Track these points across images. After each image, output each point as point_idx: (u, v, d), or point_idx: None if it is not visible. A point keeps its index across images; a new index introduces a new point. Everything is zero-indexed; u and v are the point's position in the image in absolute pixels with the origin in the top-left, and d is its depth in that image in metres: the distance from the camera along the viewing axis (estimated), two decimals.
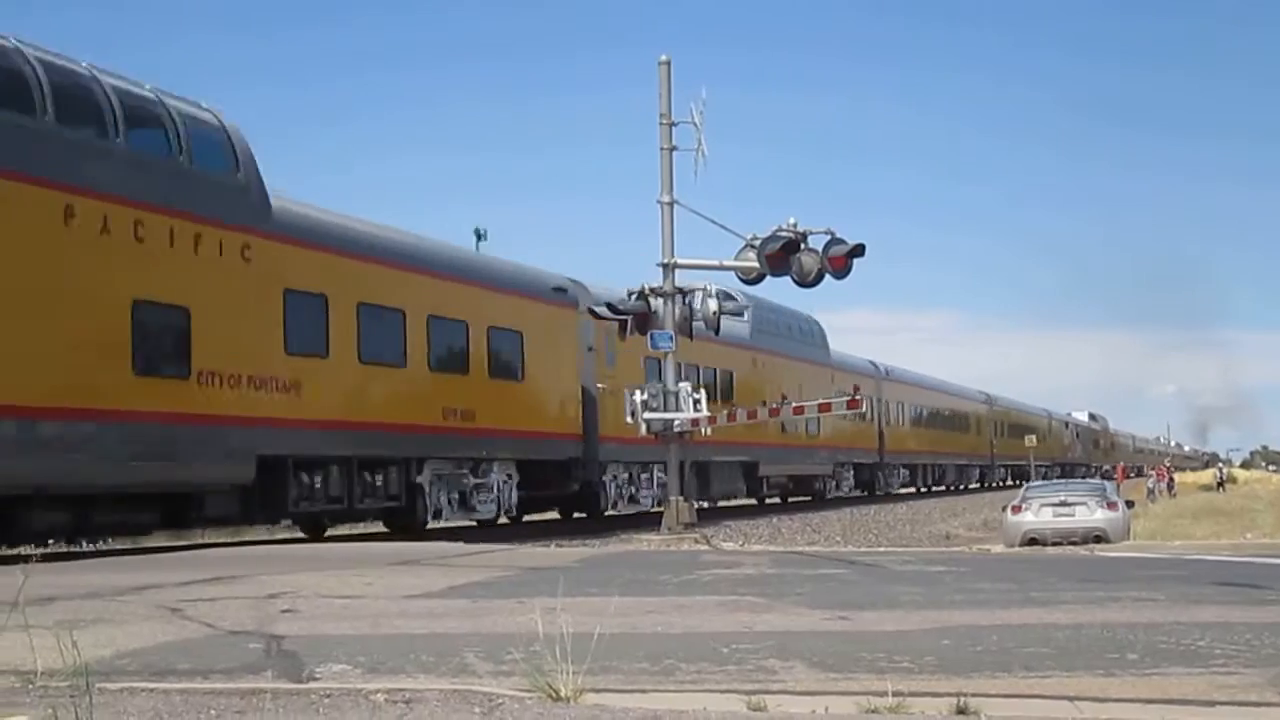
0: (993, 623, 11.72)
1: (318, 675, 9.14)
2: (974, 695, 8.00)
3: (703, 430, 34.29)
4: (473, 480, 34.48)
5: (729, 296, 34.44)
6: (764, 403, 44.51)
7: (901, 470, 79.35)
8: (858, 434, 68.00)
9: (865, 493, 70.39)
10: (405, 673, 9.22)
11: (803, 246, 31.22)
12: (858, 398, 34.43)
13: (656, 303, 32.44)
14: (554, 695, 8.11)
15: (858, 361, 71.70)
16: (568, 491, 40.35)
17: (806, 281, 31.21)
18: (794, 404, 40.73)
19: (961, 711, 7.78)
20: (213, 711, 7.91)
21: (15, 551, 21.53)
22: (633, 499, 43.31)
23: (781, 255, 31.07)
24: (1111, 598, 13.92)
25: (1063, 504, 36.55)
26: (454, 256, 35.74)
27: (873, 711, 7.84)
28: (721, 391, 49.97)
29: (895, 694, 7.98)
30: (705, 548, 26.16)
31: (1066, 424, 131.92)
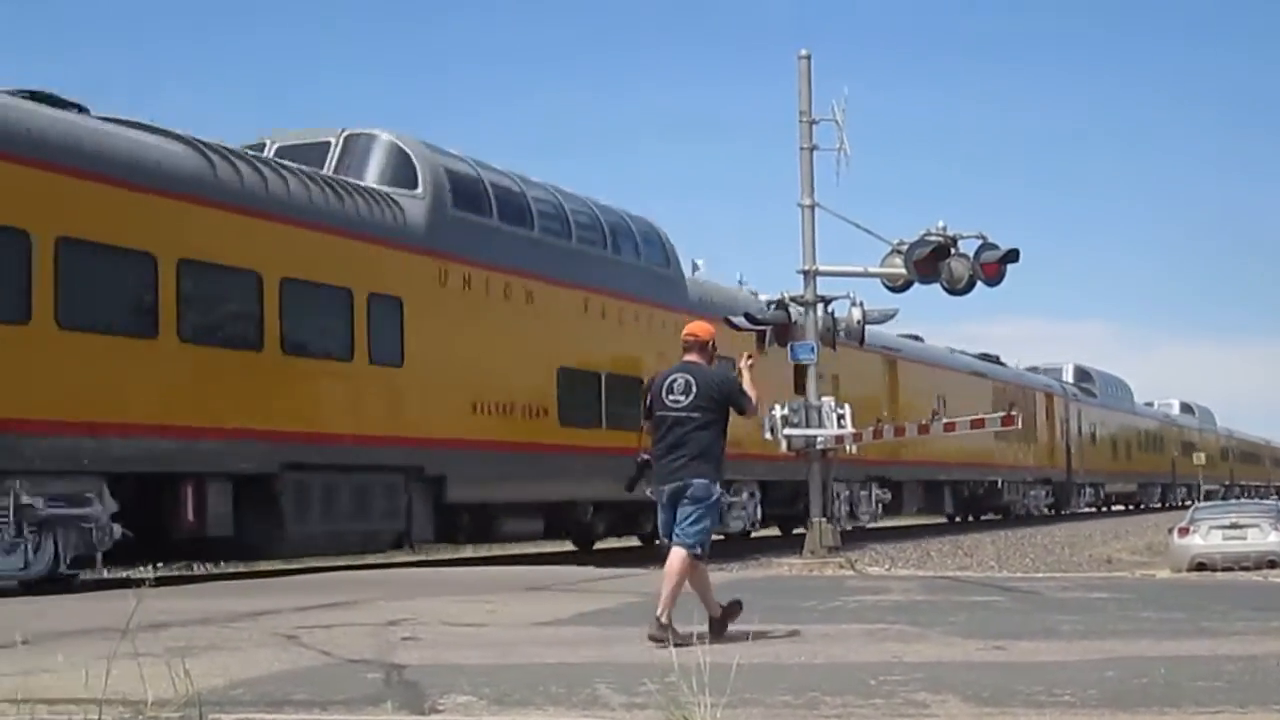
0: (1159, 654, 11.56)
1: (441, 707, 9.15)
2: None
3: (848, 448, 34.09)
4: None
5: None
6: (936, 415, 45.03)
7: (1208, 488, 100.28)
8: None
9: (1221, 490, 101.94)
10: (533, 704, 9.21)
11: (953, 252, 30.99)
12: (1012, 414, 34.12)
13: (797, 312, 32.31)
14: None
15: (1187, 420, 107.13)
16: None
17: (957, 289, 30.97)
18: (944, 420, 40.59)
19: None
20: None
21: (127, 575, 21.75)
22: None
23: (930, 261, 30.84)
24: None
25: (1233, 526, 35.78)
26: None
27: None
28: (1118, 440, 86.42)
29: None
30: (850, 573, 26.05)
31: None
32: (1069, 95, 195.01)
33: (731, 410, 13.11)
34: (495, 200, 30.15)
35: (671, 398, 12.81)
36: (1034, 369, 74.82)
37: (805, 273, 32.08)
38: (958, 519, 61.31)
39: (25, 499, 19.92)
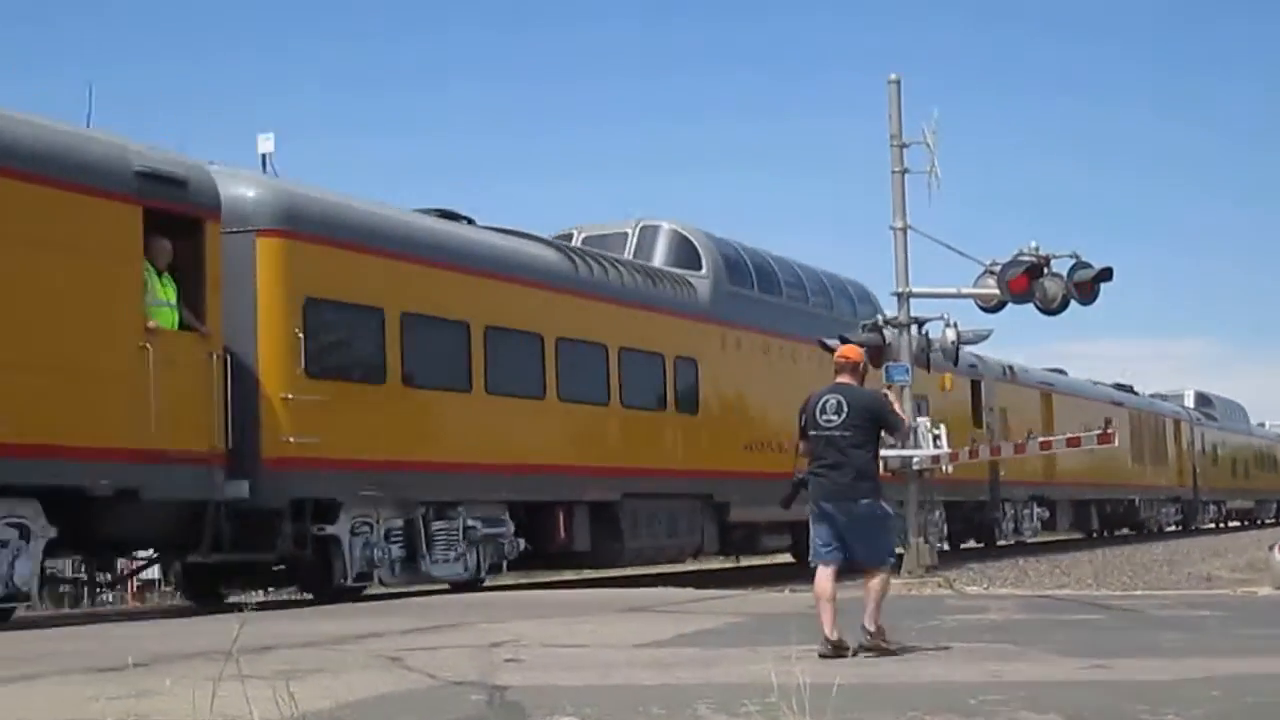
0: (1265, 671, 11.39)
1: None
2: None
3: (944, 468, 33.89)
4: None
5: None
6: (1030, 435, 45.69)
7: None
8: None
9: None
10: None
11: (1046, 271, 30.76)
12: (1109, 432, 34.07)
13: (892, 334, 32.15)
14: None
15: None
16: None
17: (1051, 309, 30.73)
18: (1040, 439, 40.32)
19: None
20: None
21: (232, 600, 22.12)
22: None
23: (1024, 281, 30.62)
24: None
25: None
26: None
27: None
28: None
29: None
30: (948, 592, 25.80)
31: None
32: (1158, 111, 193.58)
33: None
34: (755, 275, 35.65)
35: (825, 417, 13.51)
36: (1160, 396, 77.69)
37: (899, 295, 31.96)
38: (1094, 534, 63.47)
39: (469, 521, 25.22)
